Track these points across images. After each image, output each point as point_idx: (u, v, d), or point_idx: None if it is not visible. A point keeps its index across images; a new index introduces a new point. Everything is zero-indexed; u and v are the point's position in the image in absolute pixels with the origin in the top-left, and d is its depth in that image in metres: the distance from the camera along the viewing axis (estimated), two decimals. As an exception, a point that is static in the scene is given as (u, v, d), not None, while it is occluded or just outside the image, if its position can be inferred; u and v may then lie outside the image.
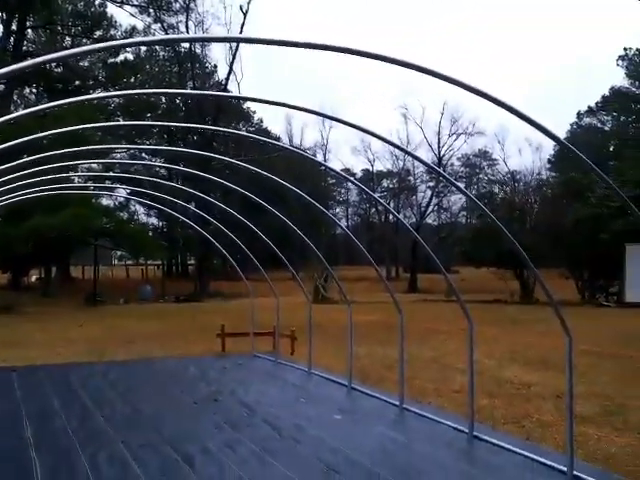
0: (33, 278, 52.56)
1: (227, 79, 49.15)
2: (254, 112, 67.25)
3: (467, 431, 8.12)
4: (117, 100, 48.73)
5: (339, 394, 10.85)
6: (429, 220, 71.68)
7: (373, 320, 19.88)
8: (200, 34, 43.69)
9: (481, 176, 72.68)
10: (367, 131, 7.93)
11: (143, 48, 53.11)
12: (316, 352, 13.63)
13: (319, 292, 36.70)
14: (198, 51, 51.85)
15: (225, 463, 7.04)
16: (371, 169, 76.39)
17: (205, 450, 7.53)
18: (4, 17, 40.94)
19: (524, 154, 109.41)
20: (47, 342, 18.50)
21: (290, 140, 69.78)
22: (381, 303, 23.07)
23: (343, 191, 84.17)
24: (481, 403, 10.02)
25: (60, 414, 9.50)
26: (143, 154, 57.29)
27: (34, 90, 49.84)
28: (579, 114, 69.66)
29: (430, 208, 68.08)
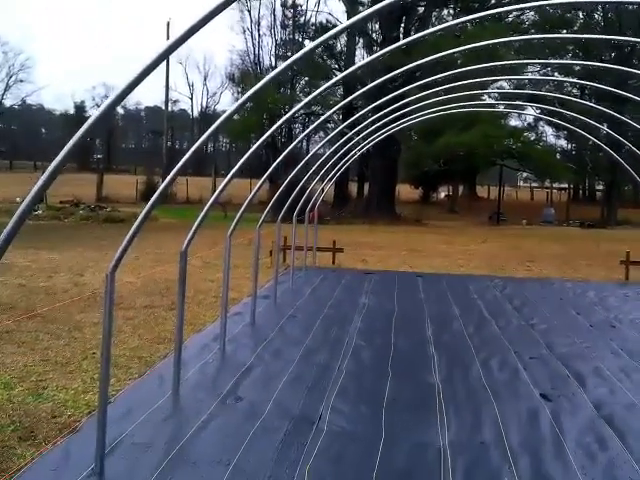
0: (442, 195, 55.56)
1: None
2: (686, 23, 60.06)
3: None
4: (532, 17, 47.57)
5: None
6: None
7: None
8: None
9: None
10: None
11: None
12: None
13: None
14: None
15: (618, 388, 6.82)
16: None
17: (597, 372, 7.37)
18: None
19: None
20: (450, 254, 19.52)
21: None
22: None
23: None
24: None
25: (458, 319, 10.10)
26: (555, 74, 55.42)
27: (451, 11, 51.13)
28: None
29: None
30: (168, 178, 5.34)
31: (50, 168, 3.27)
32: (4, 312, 9.22)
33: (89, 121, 3.47)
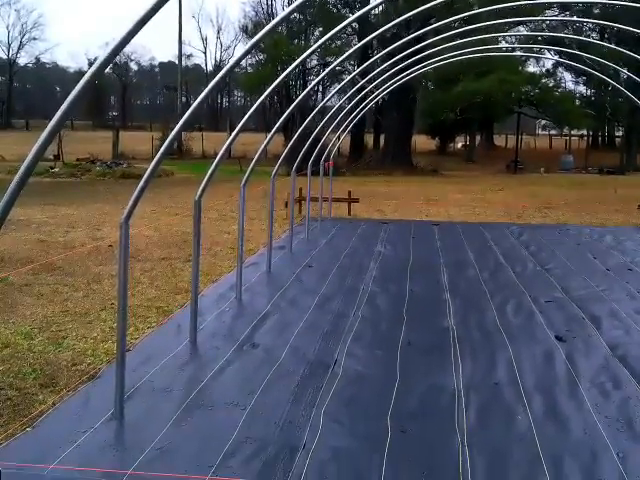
0: (459, 145, 55.03)
1: None
2: None
3: None
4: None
5: None
6: None
7: None
8: None
9: None
10: None
11: None
12: None
13: None
14: None
15: (633, 328, 6.82)
16: None
17: (613, 314, 7.37)
18: None
19: None
20: (466, 203, 19.41)
21: None
22: None
23: None
24: None
25: (474, 265, 10.09)
26: (574, 17, 54.09)
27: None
28: None
29: None
30: (177, 126, 5.32)
31: (59, 113, 3.23)
32: (23, 266, 9.33)
33: (98, 61, 3.41)
